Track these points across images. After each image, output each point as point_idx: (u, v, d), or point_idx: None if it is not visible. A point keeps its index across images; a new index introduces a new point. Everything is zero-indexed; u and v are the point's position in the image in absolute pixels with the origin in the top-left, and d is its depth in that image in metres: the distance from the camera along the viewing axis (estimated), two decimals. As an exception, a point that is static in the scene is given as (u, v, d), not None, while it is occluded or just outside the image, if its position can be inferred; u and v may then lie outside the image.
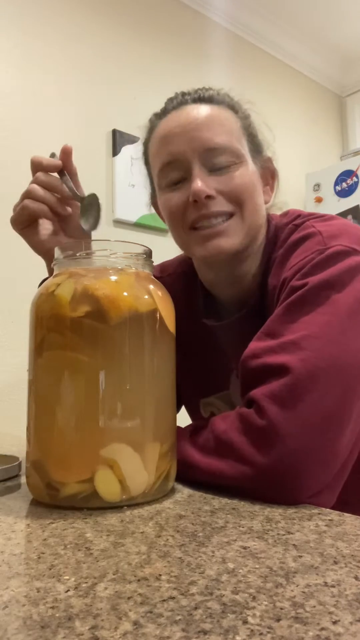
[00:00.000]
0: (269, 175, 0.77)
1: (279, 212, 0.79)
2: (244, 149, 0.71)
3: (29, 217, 0.69)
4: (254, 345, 0.58)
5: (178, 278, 0.83)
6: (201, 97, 0.72)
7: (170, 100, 0.74)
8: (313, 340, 0.54)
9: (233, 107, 0.73)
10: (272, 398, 0.51)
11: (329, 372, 0.52)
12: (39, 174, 0.69)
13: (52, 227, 0.72)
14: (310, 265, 0.60)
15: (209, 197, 0.67)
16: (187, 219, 0.69)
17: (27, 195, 0.68)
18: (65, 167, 0.71)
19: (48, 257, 0.74)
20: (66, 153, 0.71)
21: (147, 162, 0.78)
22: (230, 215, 0.68)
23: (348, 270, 0.58)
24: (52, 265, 0.55)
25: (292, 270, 0.62)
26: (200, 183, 0.66)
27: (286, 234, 0.70)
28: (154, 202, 0.81)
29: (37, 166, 0.70)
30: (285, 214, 0.77)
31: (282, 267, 0.66)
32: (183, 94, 0.73)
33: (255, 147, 0.74)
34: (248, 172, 0.70)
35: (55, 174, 0.71)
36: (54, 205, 0.70)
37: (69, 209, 0.72)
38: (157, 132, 0.72)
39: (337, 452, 0.52)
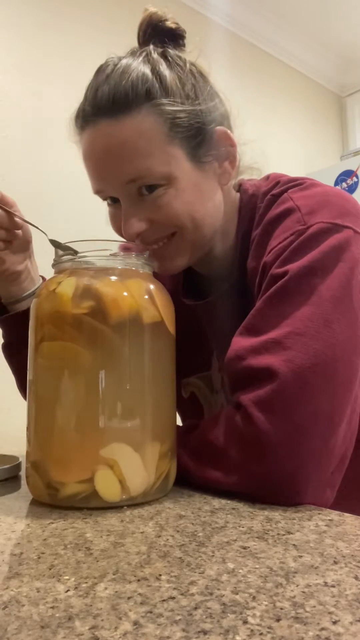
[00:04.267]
0: (226, 154, 0.66)
1: (256, 176, 0.73)
2: (175, 159, 0.61)
3: None
4: (237, 343, 0.56)
5: None
6: (114, 107, 0.60)
7: (83, 108, 0.63)
8: (297, 338, 0.51)
9: (156, 104, 0.60)
10: (259, 405, 0.50)
11: (315, 371, 0.50)
12: None
13: None
14: (290, 250, 0.56)
15: (140, 234, 0.63)
16: None
17: None
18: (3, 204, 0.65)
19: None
20: None
21: None
22: (172, 233, 0.65)
23: (330, 252, 0.55)
24: (51, 265, 0.55)
25: (272, 254, 0.59)
26: (128, 225, 0.62)
27: (265, 206, 0.66)
28: None
29: None
30: (267, 177, 0.72)
31: (262, 247, 0.63)
32: (94, 101, 0.61)
33: (196, 140, 0.63)
34: (180, 192, 0.62)
35: None
36: (4, 236, 0.66)
37: (19, 232, 0.68)
38: (81, 148, 0.65)
39: (331, 451, 0.51)
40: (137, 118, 0.59)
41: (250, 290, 0.66)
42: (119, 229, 0.66)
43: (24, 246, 0.70)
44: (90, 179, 0.66)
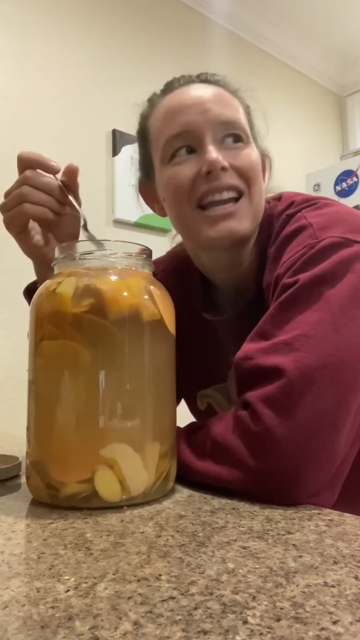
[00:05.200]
0: (263, 164, 0.76)
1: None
2: (249, 131, 0.71)
3: (28, 221, 0.66)
4: (247, 346, 0.57)
5: (171, 273, 0.82)
6: (207, 79, 0.72)
7: (176, 79, 0.73)
8: (305, 340, 0.53)
9: (236, 93, 0.73)
10: (266, 402, 0.51)
11: (322, 372, 0.51)
12: (31, 174, 0.64)
13: (43, 230, 0.70)
14: (301, 262, 0.58)
15: (223, 168, 0.65)
16: (195, 194, 0.67)
17: (24, 199, 0.64)
18: (67, 185, 0.67)
19: (40, 262, 0.71)
20: (72, 172, 0.67)
21: (144, 140, 0.75)
22: (239, 194, 0.67)
23: (340, 263, 0.57)
24: (52, 265, 0.55)
25: (284, 267, 0.61)
26: (215, 153, 0.65)
27: (280, 225, 0.69)
28: (142, 189, 0.79)
29: (31, 164, 0.65)
30: (279, 198, 0.74)
31: (276, 263, 0.65)
32: (189, 75, 0.73)
33: (254, 134, 0.74)
34: (255, 152, 0.70)
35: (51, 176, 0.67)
36: (55, 207, 0.66)
37: (68, 209, 0.69)
38: (163, 105, 0.70)
39: (334, 452, 0.52)
40: (225, 91, 0.71)
41: (266, 306, 0.67)
42: (186, 181, 0.67)
43: (71, 238, 0.71)
44: (172, 123, 0.68)
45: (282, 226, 0.68)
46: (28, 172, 0.64)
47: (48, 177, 0.65)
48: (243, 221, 0.67)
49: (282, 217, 0.69)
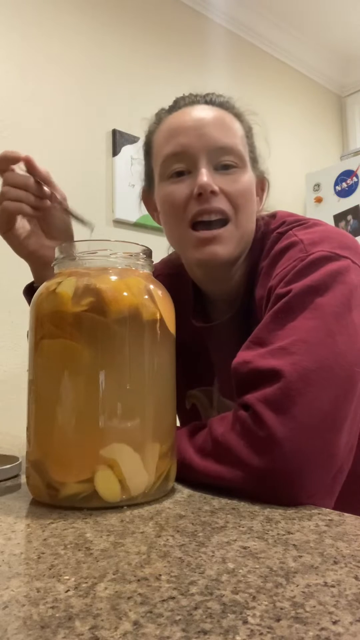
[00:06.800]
0: (260, 187, 0.79)
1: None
2: (245, 155, 0.73)
3: (9, 218, 0.70)
4: (244, 353, 0.59)
5: (166, 279, 0.83)
6: (212, 101, 0.75)
7: (182, 98, 0.76)
8: (302, 345, 0.54)
9: (239, 116, 0.75)
10: (266, 403, 0.52)
11: (319, 374, 0.53)
12: (7, 175, 0.69)
13: (32, 229, 0.73)
14: (293, 273, 0.61)
15: (213, 192, 0.68)
16: (187, 214, 0.70)
17: (3, 197, 0.68)
18: (34, 174, 0.70)
19: (32, 260, 0.74)
20: (28, 162, 0.69)
21: (148, 153, 0.78)
22: (227, 218, 0.69)
23: (330, 274, 0.59)
24: (52, 264, 0.55)
25: (276, 278, 0.64)
26: (206, 177, 0.68)
27: (271, 242, 0.72)
28: (145, 198, 0.82)
29: (5, 163, 0.69)
30: (273, 216, 0.77)
31: (268, 277, 0.68)
32: (195, 95, 0.76)
33: (254, 157, 0.76)
34: (248, 178, 0.72)
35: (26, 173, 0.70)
36: (32, 202, 0.69)
37: (48, 202, 0.72)
38: (166, 123, 0.74)
39: (334, 453, 0.52)
40: (228, 114, 0.73)
41: (255, 317, 0.69)
42: (179, 201, 0.70)
43: (62, 234, 0.74)
44: (170, 143, 0.71)
45: (274, 243, 0.71)
46: (6, 174, 0.69)
47: (23, 174, 0.69)
48: (227, 245, 0.70)
49: (274, 235, 0.72)
